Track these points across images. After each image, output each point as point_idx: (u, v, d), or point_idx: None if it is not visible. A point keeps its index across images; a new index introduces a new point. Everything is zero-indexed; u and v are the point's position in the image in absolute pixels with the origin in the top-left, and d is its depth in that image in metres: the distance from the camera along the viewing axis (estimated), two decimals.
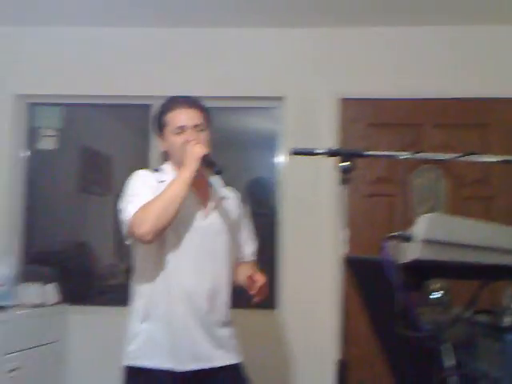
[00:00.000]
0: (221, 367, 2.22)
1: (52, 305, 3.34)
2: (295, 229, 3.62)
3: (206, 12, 3.55)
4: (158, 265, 2.20)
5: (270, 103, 3.83)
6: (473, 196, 3.56)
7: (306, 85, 3.69)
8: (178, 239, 2.20)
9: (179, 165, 2.21)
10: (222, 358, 2.23)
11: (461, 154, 1.96)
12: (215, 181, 2.38)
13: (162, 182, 2.23)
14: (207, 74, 3.69)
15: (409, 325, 1.53)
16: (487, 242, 1.44)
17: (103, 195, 4.39)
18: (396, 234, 1.59)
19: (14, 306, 3.05)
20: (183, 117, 2.25)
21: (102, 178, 4.38)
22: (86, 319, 3.60)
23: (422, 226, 1.47)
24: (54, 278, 3.52)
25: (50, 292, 3.34)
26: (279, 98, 3.73)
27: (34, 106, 3.92)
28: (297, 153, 2.25)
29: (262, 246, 3.88)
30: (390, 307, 1.56)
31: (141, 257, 2.25)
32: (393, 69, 3.65)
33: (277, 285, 3.64)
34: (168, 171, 2.29)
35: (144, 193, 2.17)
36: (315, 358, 3.43)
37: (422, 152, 2.27)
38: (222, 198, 2.36)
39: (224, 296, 2.29)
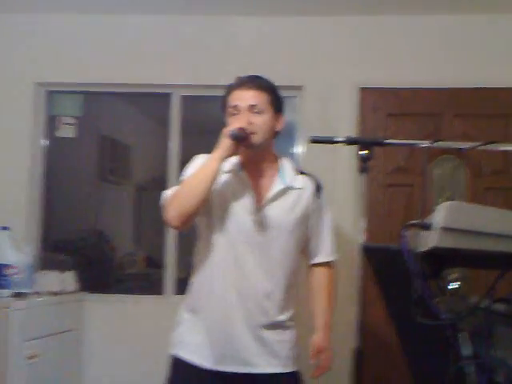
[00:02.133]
0: (263, 374, 2.07)
1: (70, 293, 3.36)
2: None
3: (225, 0, 3.54)
4: (205, 258, 2.11)
5: (289, 92, 3.79)
6: (492, 186, 3.51)
7: (325, 74, 3.67)
8: (224, 233, 2.08)
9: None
10: (263, 365, 2.08)
11: (480, 143, 1.94)
12: (286, 167, 2.20)
13: (225, 172, 2.11)
14: (227, 63, 3.68)
15: (426, 313, 1.52)
16: (506, 231, 1.42)
17: (122, 184, 4.42)
18: (415, 222, 1.58)
19: (32, 294, 3.07)
20: (238, 96, 2.10)
21: (121, 167, 4.41)
22: (103, 307, 3.62)
23: (441, 213, 1.46)
24: (72, 266, 3.55)
25: (68, 280, 3.37)
26: (298, 88, 3.71)
27: (53, 94, 3.94)
28: (315, 141, 2.24)
29: None
30: (407, 296, 1.55)
31: (197, 248, 2.18)
32: (413, 58, 3.61)
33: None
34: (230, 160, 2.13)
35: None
36: (332, 346, 3.41)
37: (441, 141, 2.26)
38: (288, 189, 2.15)
39: (277, 297, 2.10)
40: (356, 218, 3.37)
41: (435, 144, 2.08)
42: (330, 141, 2.17)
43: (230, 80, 3.58)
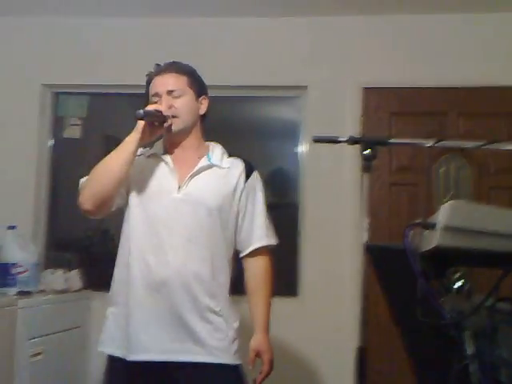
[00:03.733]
0: (192, 363, 1.96)
1: (75, 291, 3.38)
2: (317, 217, 3.61)
3: (230, 1, 3.54)
4: (123, 244, 2.05)
5: (292, 92, 3.82)
6: (497, 185, 3.51)
7: (328, 74, 3.68)
8: (142, 215, 2.01)
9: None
10: (190, 353, 1.97)
11: (484, 142, 1.94)
12: (216, 150, 2.15)
13: (148, 156, 2.11)
14: (231, 63, 3.69)
15: (430, 313, 1.53)
16: (509, 230, 1.42)
17: None
18: (418, 221, 1.58)
19: (38, 292, 3.09)
20: (158, 83, 2.09)
21: None
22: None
23: (444, 212, 1.46)
24: (77, 264, 3.57)
25: (73, 278, 3.38)
26: (302, 88, 3.72)
27: (59, 96, 3.97)
28: (318, 140, 2.24)
29: (285, 234, 3.92)
30: (411, 295, 1.56)
31: (120, 242, 2.09)
32: (416, 57, 3.61)
33: (299, 272, 3.66)
34: (157, 145, 2.15)
35: None
36: (336, 345, 3.43)
37: (445, 140, 2.26)
38: (213, 166, 2.09)
39: (205, 279, 2.00)
40: (359, 217, 3.37)
41: (439, 143, 2.09)
42: (332, 140, 2.17)
43: (233, 80, 3.63)
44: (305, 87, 3.71)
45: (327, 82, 3.67)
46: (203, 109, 2.17)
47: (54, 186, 3.90)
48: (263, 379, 2.10)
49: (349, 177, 3.52)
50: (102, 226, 3.99)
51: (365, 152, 2.04)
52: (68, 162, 4.03)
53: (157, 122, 2.02)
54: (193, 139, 2.14)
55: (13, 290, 2.94)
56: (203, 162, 2.09)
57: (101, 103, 4.06)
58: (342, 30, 3.69)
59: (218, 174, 2.09)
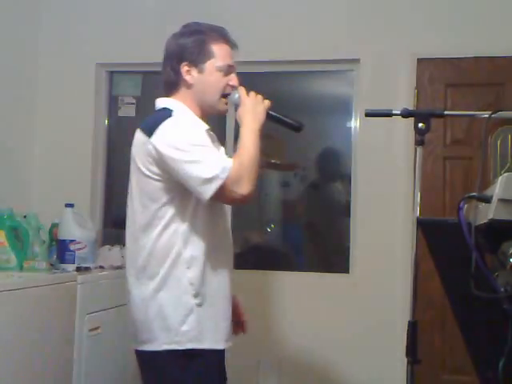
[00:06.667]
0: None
1: None
2: (369, 192, 3.58)
3: None
4: (202, 228, 1.93)
5: (345, 66, 3.78)
6: None
7: (381, 46, 3.61)
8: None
9: (203, 107, 1.99)
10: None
11: None
12: None
13: (207, 129, 1.98)
14: (281, 37, 3.67)
15: (483, 287, 1.51)
16: None
17: None
18: (473, 194, 1.56)
19: (96, 268, 3.17)
20: (232, 56, 2.01)
21: None
22: None
23: (500, 185, 1.43)
24: None
25: None
26: (354, 61, 3.67)
27: (113, 75, 4.03)
28: (371, 114, 2.23)
29: (336, 210, 3.93)
30: (464, 269, 1.54)
31: (188, 216, 1.91)
32: (472, 25, 3.49)
33: (350, 249, 3.65)
34: (189, 114, 1.98)
35: (209, 143, 1.90)
36: (388, 320, 3.42)
37: (502, 111, 2.20)
38: None
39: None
40: (412, 192, 3.33)
41: (496, 114, 2.04)
42: (385, 114, 2.16)
43: (284, 54, 3.61)
44: (357, 60, 3.66)
45: (380, 54, 3.61)
46: None
47: (110, 164, 3.98)
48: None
49: (401, 151, 3.48)
50: None
51: (419, 125, 2.02)
52: (123, 140, 4.11)
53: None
54: None
55: (72, 266, 3.03)
56: None
57: (155, 82, 4.10)
58: (394, 0, 3.61)
59: None
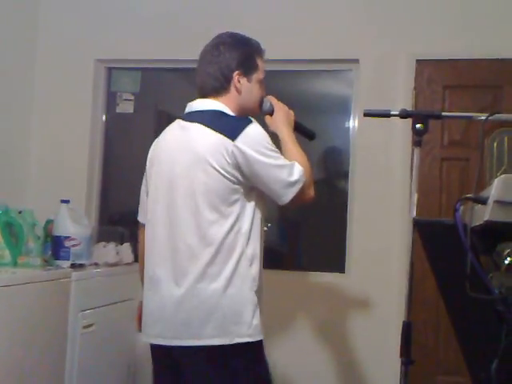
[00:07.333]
0: None
1: (127, 264, 3.44)
2: (366, 192, 3.58)
3: None
4: (258, 227, 2.09)
5: (344, 66, 3.78)
6: None
7: (381, 46, 3.60)
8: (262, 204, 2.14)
9: (244, 112, 2.14)
10: None
11: None
12: None
13: None
14: (280, 36, 3.65)
15: (478, 288, 1.51)
16: None
17: None
18: (470, 195, 1.56)
19: (90, 265, 3.16)
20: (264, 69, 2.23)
21: None
22: None
23: (496, 187, 1.43)
24: (129, 237, 3.64)
25: (125, 251, 3.45)
26: (354, 61, 3.67)
27: (112, 71, 4.03)
28: (370, 114, 2.24)
29: (333, 210, 3.92)
30: (459, 270, 1.54)
31: (250, 217, 2.06)
32: (471, 27, 3.49)
33: (346, 248, 3.65)
34: None
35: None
36: (382, 320, 3.42)
37: (499, 113, 2.21)
38: None
39: None
40: (409, 192, 3.33)
41: (493, 116, 2.04)
42: (384, 114, 2.17)
43: (283, 54, 3.60)
44: (356, 60, 3.65)
45: (379, 54, 3.60)
46: None
47: (107, 160, 3.98)
48: None
49: (399, 151, 3.48)
50: None
51: (417, 126, 2.03)
52: (121, 137, 4.10)
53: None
54: None
55: (66, 263, 3.02)
56: None
57: (153, 78, 4.10)
58: (393, 1, 3.60)
59: None
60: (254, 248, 2.05)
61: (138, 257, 3.59)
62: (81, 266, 3.05)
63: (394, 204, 3.47)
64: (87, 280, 2.97)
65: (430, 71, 3.55)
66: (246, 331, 1.99)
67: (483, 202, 1.48)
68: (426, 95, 3.54)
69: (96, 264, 3.20)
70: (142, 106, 4.03)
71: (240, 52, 2.16)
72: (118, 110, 4.00)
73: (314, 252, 3.97)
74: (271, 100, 2.25)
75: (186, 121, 2.12)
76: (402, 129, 3.28)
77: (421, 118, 2.05)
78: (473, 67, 3.49)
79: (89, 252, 3.17)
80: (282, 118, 2.21)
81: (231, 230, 2.00)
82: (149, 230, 2.16)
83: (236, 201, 2.01)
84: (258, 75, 2.18)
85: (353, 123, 3.72)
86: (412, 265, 1.95)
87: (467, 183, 3.38)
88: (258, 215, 2.08)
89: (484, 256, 1.60)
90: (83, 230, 3.16)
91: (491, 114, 2.02)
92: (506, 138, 3.44)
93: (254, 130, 2.01)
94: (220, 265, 1.99)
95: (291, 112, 2.26)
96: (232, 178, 1.99)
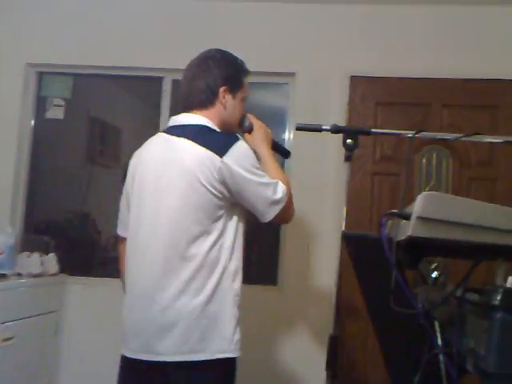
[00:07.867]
0: None
1: (51, 275, 3.34)
2: (299, 205, 3.57)
3: None
4: (238, 241, 2.10)
5: (280, 79, 3.80)
6: (477, 177, 3.50)
7: (317, 61, 3.65)
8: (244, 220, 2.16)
9: (225, 127, 2.16)
10: None
11: (465, 134, 1.94)
12: None
13: None
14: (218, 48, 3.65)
15: (403, 302, 1.53)
16: (481, 222, 1.42)
17: (110, 167, 4.39)
18: (394, 211, 1.58)
19: (13, 275, 3.06)
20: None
21: (110, 150, 4.38)
22: (85, 290, 3.60)
23: (418, 203, 1.45)
24: (54, 248, 3.53)
25: (49, 262, 3.34)
26: (291, 74, 3.69)
27: (43, 76, 3.92)
28: (302, 128, 2.26)
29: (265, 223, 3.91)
30: (384, 284, 1.55)
31: (232, 232, 2.08)
32: (403, 47, 3.59)
33: (279, 261, 3.65)
34: None
35: None
36: (313, 333, 3.44)
37: (426, 131, 2.26)
38: None
39: None
40: (340, 205, 3.37)
41: (419, 134, 2.09)
42: (315, 129, 2.20)
43: None
44: (293, 74, 3.68)
45: (315, 69, 3.65)
46: None
47: (35, 167, 3.85)
48: None
49: (332, 165, 3.52)
50: (83, 210, 3.96)
51: (347, 141, 2.06)
52: (50, 143, 3.99)
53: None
54: None
55: None
56: None
57: (85, 84, 4.02)
58: (331, 17, 3.66)
59: None
60: (237, 263, 2.07)
61: (62, 268, 3.52)
62: (3, 276, 2.94)
63: (328, 217, 3.50)
64: (8, 291, 2.87)
65: (363, 88, 3.61)
66: (227, 347, 2.00)
67: (407, 217, 1.50)
68: (359, 111, 3.60)
69: (19, 274, 3.08)
70: (73, 111, 3.94)
71: (228, 68, 2.21)
72: (48, 115, 3.90)
73: (247, 264, 3.96)
74: (251, 118, 2.29)
75: (171, 135, 2.10)
76: (336, 143, 3.30)
77: (351, 133, 2.08)
78: (403, 85, 3.58)
79: (12, 262, 3.06)
80: (261, 136, 2.26)
81: (214, 245, 2.01)
82: (131, 243, 2.11)
83: (220, 216, 2.03)
84: (242, 93, 2.23)
85: (288, 135, 3.74)
86: (340, 277, 1.96)
87: (397, 198, 3.45)
88: (241, 230, 2.11)
89: (411, 270, 1.62)
90: (6, 238, 3.06)
91: (417, 132, 2.07)
92: (434, 155, 3.54)
93: (241, 147, 2.04)
94: (202, 280, 1.98)
95: (269, 131, 2.31)
96: (218, 194, 2.00)
